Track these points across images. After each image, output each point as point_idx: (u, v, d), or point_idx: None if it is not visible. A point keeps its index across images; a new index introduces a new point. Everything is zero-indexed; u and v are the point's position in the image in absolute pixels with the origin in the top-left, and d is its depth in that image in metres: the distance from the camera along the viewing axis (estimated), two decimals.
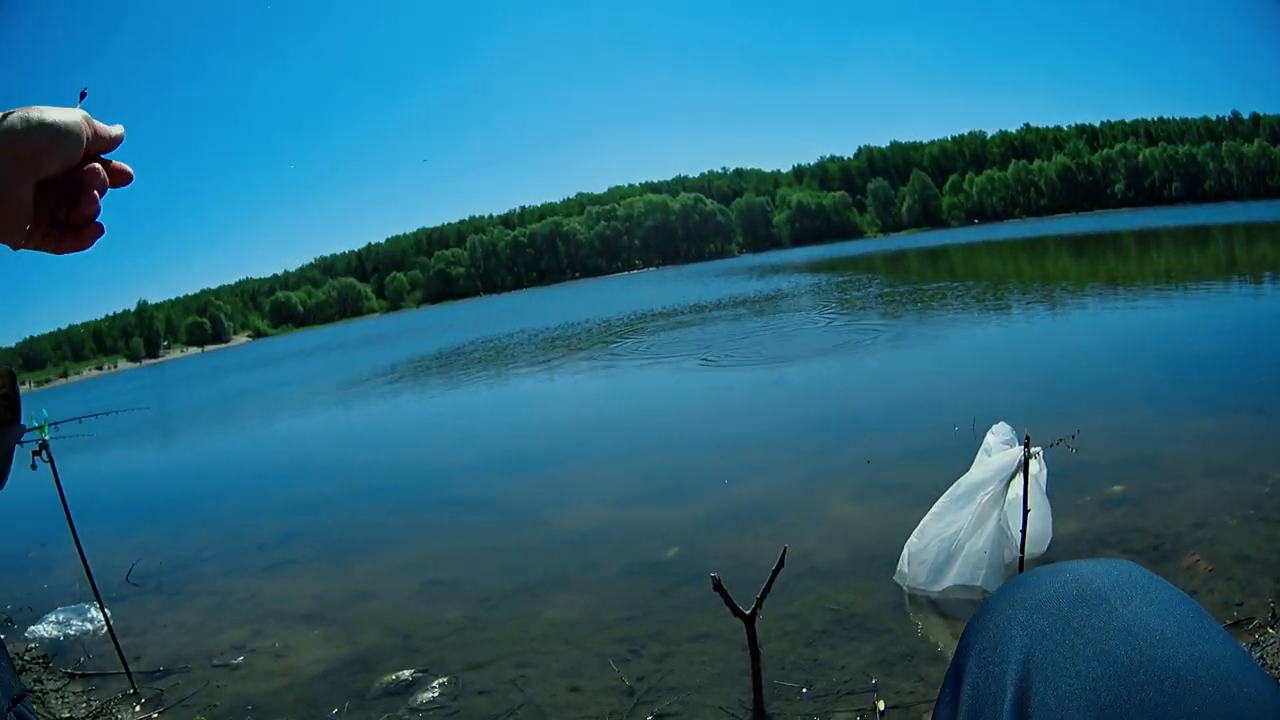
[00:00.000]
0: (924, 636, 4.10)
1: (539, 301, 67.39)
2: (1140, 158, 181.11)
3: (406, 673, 4.46)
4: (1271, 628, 3.60)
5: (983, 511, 4.27)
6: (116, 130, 1.27)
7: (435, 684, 4.30)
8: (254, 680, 4.75)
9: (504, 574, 5.89)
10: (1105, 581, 0.89)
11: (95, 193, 1.24)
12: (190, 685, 4.76)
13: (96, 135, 1.22)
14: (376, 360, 31.86)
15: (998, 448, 4.40)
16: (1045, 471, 4.41)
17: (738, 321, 23.62)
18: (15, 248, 1.22)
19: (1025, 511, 4.01)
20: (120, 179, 1.28)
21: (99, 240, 1.31)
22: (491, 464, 10.00)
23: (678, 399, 12.65)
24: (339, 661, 4.82)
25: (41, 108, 1.16)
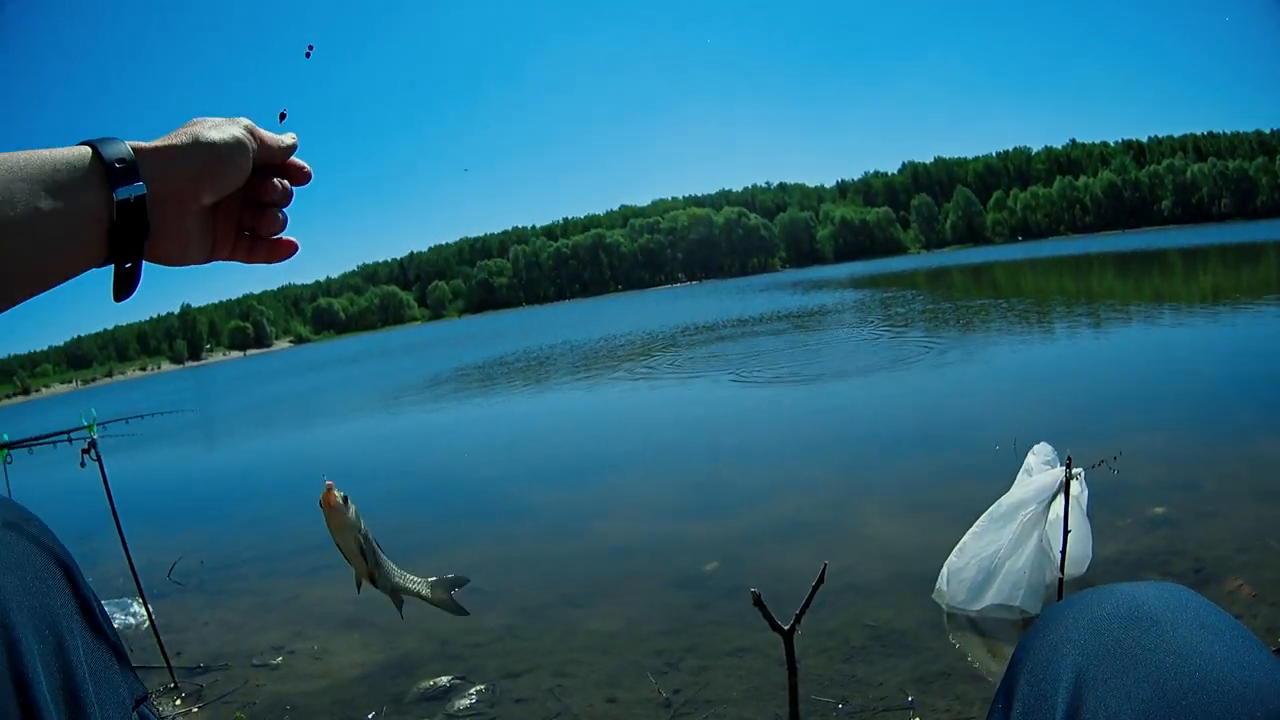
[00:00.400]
0: (962, 655, 4.08)
1: (582, 313, 67.46)
2: (1189, 173, 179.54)
3: (444, 679, 4.48)
4: None
5: (1023, 531, 4.25)
6: (288, 140, 1.25)
7: (473, 691, 4.32)
8: (293, 681, 4.79)
9: (543, 584, 5.90)
10: (1157, 604, 0.89)
11: (276, 211, 1.25)
12: (230, 682, 4.81)
13: (264, 146, 1.20)
14: (419, 369, 31.94)
15: (1039, 468, 4.38)
16: (1086, 492, 4.39)
17: (780, 336, 23.58)
18: (201, 262, 1.23)
19: (1066, 532, 4.00)
20: (299, 177, 1.27)
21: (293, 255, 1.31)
22: (535, 474, 10.01)
23: (720, 413, 12.61)
24: (377, 666, 4.85)
25: (199, 122, 1.14)
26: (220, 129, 1.13)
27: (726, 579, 5.47)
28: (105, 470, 4.45)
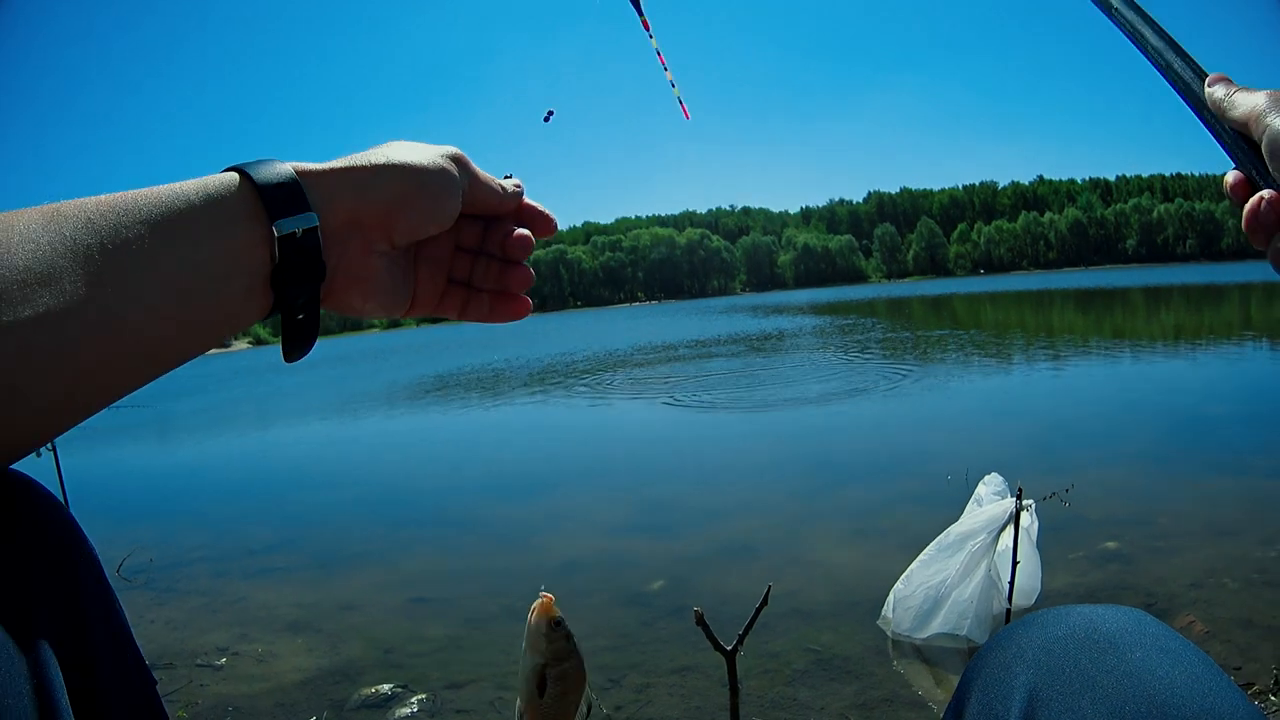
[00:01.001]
0: (906, 682, 4.09)
1: (540, 328, 67.36)
2: (1155, 213, 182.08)
3: (386, 686, 4.45)
4: (1274, 694, 3.58)
5: (971, 561, 4.26)
6: (510, 184, 1.05)
7: (414, 700, 4.30)
8: (236, 682, 4.75)
9: (489, 596, 5.88)
10: (1114, 626, 0.88)
11: (524, 267, 1.06)
12: (173, 682, 4.76)
13: (478, 184, 1.01)
14: (376, 377, 31.88)
15: (989, 498, 4.40)
16: (1037, 524, 4.41)
17: (737, 359, 23.61)
18: (398, 315, 1.07)
19: (1014, 563, 4.01)
20: (542, 226, 1.08)
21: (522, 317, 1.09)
22: (484, 486, 9.97)
23: (671, 434, 12.62)
24: (320, 670, 4.82)
25: (393, 145, 0.96)
26: (419, 152, 0.95)
27: (671, 598, 5.47)
28: (60, 465, 4.40)
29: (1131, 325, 27.58)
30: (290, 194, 0.85)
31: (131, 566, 7.21)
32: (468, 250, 1.06)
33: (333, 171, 0.90)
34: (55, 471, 4.44)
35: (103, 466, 14.77)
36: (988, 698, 0.88)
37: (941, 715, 0.95)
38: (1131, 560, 5.35)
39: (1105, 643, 0.85)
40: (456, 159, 0.97)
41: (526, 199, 1.06)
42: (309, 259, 0.86)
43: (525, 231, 1.03)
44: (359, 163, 0.91)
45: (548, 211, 1.08)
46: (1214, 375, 14.30)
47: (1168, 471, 7.54)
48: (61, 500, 0.85)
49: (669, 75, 1.70)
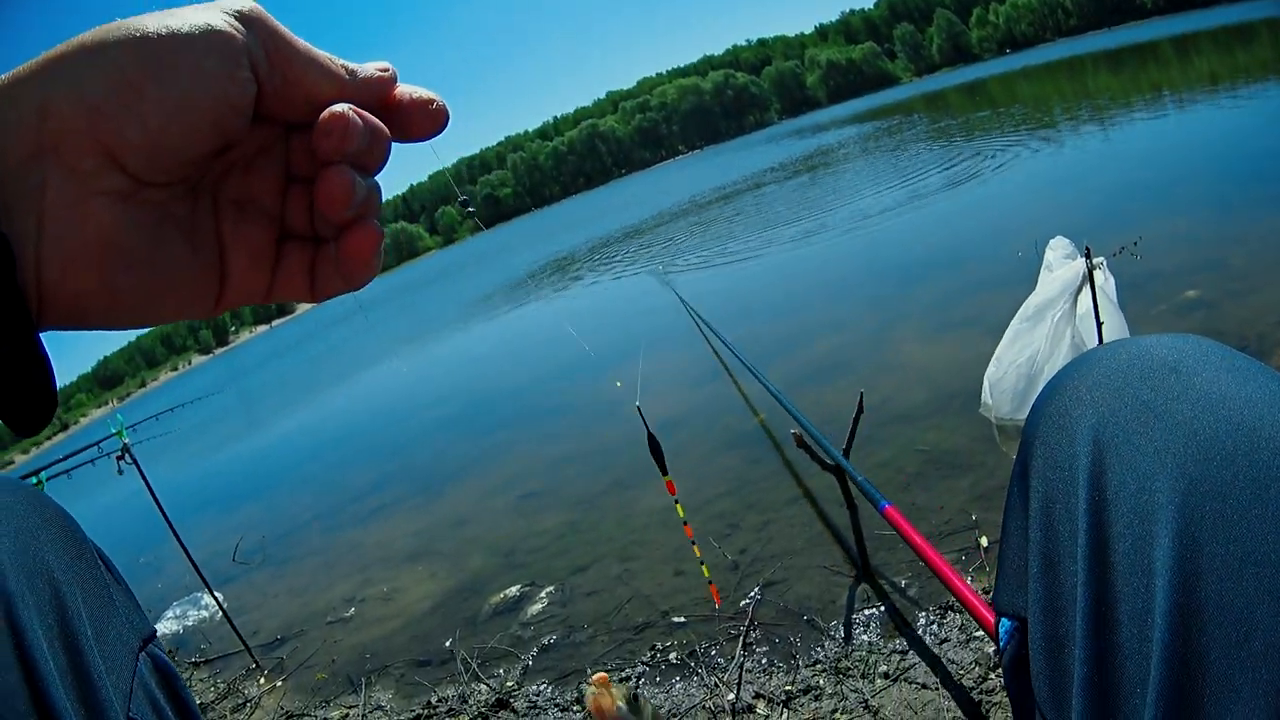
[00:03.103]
0: None
1: (590, 206, 66.88)
2: None
3: (514, 589, 4.51)
4: None
5: (1056, 330, 4.19)
6: (374, 65, 0.62)
7: (543, 594, 4.35)
8: (368, 628, 4.83)
9: (592, 475, 5.95)
10: (1172, 353, 0.77)
11: (340, 168, 0.57)
12: (308, 647, 4.84)
13: (284, 50, 0.57)
14: (435, 304, 31.78)
15: (1059, 263, 4.30)
16: (1113, 282, 4.31)
17: (790, 181, 23.45)
18: (199, 314, 0.63)
19: (1099, 323, 3.93)
20: (423, 121, 0.63)
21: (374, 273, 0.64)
22: (561, 371, 10.04)
23: (741, 268, 12.59)
24: (447, 593, 4.89)
25: (126, 22, 0.54)
26: (168, 15, 0.54)
27: (773, 430, 5.49)
28: (144, 471, 4.42)
29: (1167, 77, 26.80)
30: None
31: (246, 549, 7.32)
32: (306, 181, 0.62)
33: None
34: (142, 481, 4.43)
35: (196, 464, 15.10)
36: (1051, 449, 0.80)
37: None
38: (1215, 306, 5.24)
39: (1166, 369, 0.76)
40: (242, 13, 0.56)
41: (401, 86, 0.63)
42: None
43: (343, 107, 0.57)
44: (50, 53, 0.53)
45: (429, 93, 0.63)
46: (1259, 115, 13.93)
47: (1231, 212, 7.34)
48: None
49: (697, 550, 1.54)
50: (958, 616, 3.06)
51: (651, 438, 1.20)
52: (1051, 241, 4.41)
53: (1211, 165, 9.74)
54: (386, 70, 0.62)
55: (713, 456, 5.46)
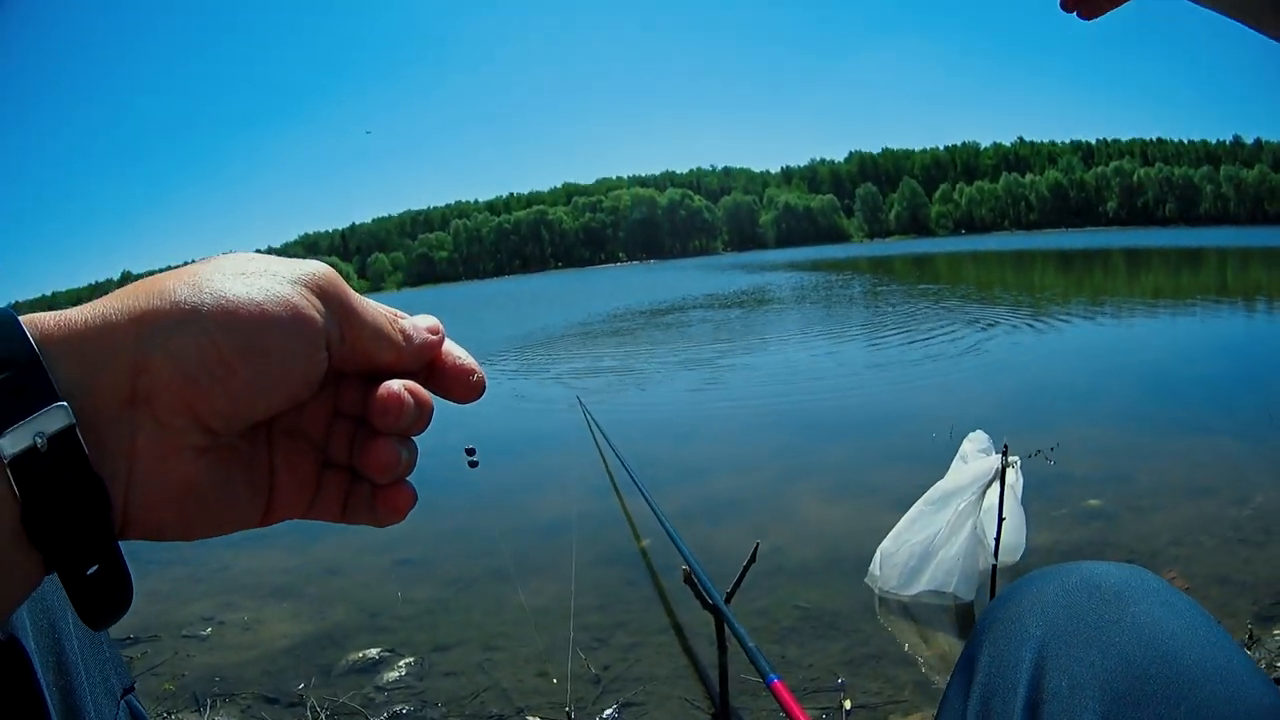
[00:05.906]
0: (893, 639, 4.10)
1: (523, 290, 67.08)
2: (1135, 177, 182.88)
3: (373, 651, 4.44)
4: (1249, 649, 3.61)
5: (959, 518, 4.26)
6: (417, 330, 0.69)
7: (401, 663, 4.29)
8: (222, 651, 4.72)
9: (474, 558, 5.88)
10: (1118, 580, 0.91)
11: (389, 441, 0.66)
12: (159, 654, 4.71)
13: (356, 320, 0.64)
14: None
15: (974, 455, 4.39)
16: (1022, 482, 4.40)
17: (721, 312, 23.59)
18: (248, 526, 0.68)
19: (1000, 520, 4.02)
20: (462, 389, 0.71)
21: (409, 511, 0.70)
22: (455, 448, 9.94)
23: (654, 390, 12.60)
24: (306, 637, 4.80)
25: (209, 265, 0.60)
26: (254, 280, 0.59)
27: (658, 557, 5.47)
28: None
29: (1112, 285, 27.66)
30: (24, 378, 0.53)
31: None
32: (350, 417, 0.69)
33: (94, 325, 0.56)
34: None
35: None
36: (999, 650, 0.90)
37: (940, 670, 0.97)
38: (1114, 517, 5.41)
39: (1110, 595, 0.88)
40: (320, 288, 0.62)
41: (447, 348, 0.71)
42: (73, 477, 0.54)
43: (399, 387, 0.64)
44: (141, 304, 0.56)
45: (472, 364, 0.71)
46: (1192, 337, 14.45)
47: (1148, 431, 7.61)
48: None
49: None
50: None
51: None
52: (971, 435, 4.50)
53: (1138, 381, 10.09)
54: (437, 333, 0.70)
55: (593, 567, 5.43)
